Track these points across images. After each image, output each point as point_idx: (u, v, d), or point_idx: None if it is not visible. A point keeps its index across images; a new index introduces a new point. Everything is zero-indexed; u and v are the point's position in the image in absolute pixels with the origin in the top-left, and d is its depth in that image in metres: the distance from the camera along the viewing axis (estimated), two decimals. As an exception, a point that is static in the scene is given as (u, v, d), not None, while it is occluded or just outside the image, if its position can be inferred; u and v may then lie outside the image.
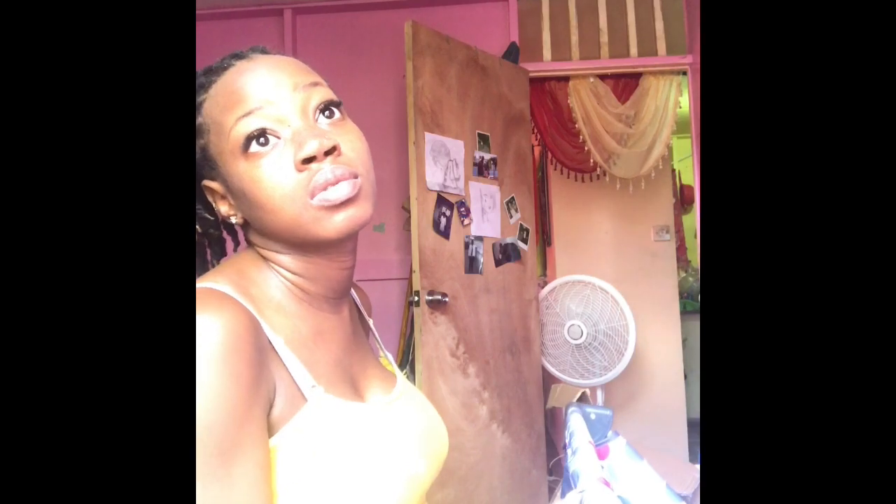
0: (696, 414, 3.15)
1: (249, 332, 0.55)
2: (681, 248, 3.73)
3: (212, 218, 0.71)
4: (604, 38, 2.85)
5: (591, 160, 2.79)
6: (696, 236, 3.94)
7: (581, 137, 2.78)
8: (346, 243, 0.66)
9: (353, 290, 0.79)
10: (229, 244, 0.76)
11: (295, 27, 2.91)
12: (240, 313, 0.55)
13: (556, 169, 2.95)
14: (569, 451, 0.74)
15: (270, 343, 0.59)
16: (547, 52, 2.86)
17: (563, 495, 0.75)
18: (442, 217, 2.23)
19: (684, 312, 3.48)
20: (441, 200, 2.23)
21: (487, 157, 2.44)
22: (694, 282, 4.26)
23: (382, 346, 0.81)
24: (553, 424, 3.02)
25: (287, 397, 0.58)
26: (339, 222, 0.60)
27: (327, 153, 0.60)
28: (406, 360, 2.53)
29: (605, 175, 2.86)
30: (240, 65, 0.64)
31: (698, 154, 2.86)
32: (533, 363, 2.58)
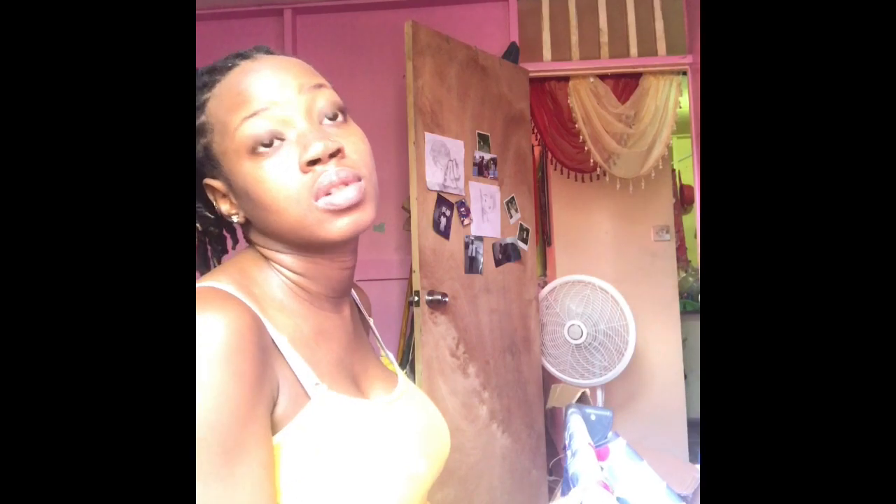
0: (696, 414, 3.15)
1: (253, 330, 0.55)
2: (681, 248, 3.73)
3: (212, 216, 0.71)
4: (604, 38, 2.84)
5: (591, 160, 2.79)
6: (696, 236, 3.94)
7: (581, 137, 2.78)
8: (347, 244, 0.66)
9: (352, 290, 0.79)
10: (228, 242, 0.76)
11: (295, 27, 2.91)
12: (243, 312, 0.56)
13: (556, 169, 2.95)
14: (569, 453, 0.74)
15: (273, 342, 0.59)
16: (547, 52, 2.86)
17: (563, 496, 0.74)
18: (442, 217, 2.23)
19: (684, 312, 3.48)
20: (441, 200, 2.23)
21: (487, 157, 2.44)
22: (694, 282, 4.26)
23: (383, 345, 0.81)
24: (553, 424, 3.02)
25: (290, 395, 0.58)
26: (343, 225, 0.61)
27: (332, 155, 0.60)
28: (406, 360, 2.53)
29: (605, 175, 2.86)
30: (244, 65, 0.64)
31: (698, 154, 2.86)
32: (533, 363, 2.58)
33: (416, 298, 2.11)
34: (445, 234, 2.24)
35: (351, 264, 0.68)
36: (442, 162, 2.24)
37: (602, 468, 0.72)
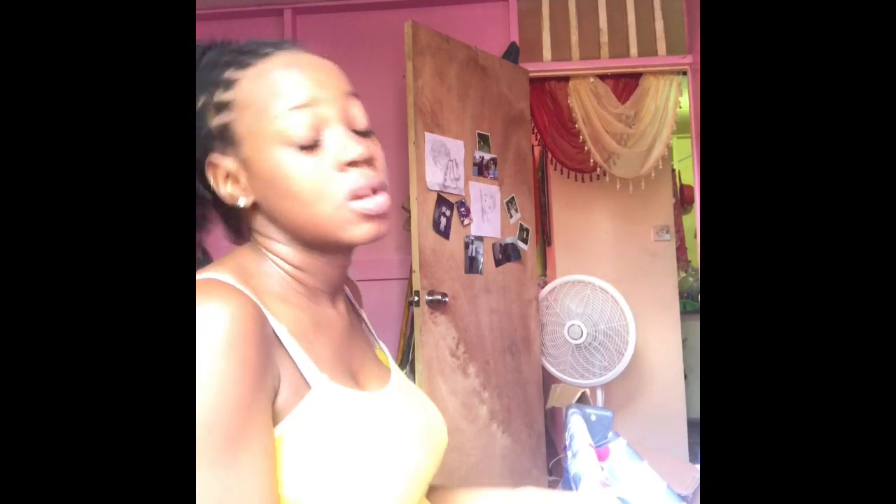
0: (696, 414, 3.15)
1: (255, 320, 0.56)
2: (681, 248, 3.73)
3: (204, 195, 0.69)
4: (604, 38, 2.84)
5: (591, 160, 2.79)
6: (696, 236, 3.94)
7: (581, 137, 2.78)
8: (354, 246, 0.67)
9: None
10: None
11: (295, 27, 2.91)
12: (245, 302, 0.56)
13: (556, 169, 2.95)
14: (569, 454, 0.74)
15: (274, 332, 0.59)
16: (547, 52, 2.86)
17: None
18: (442, 217, 2.23)
19: (684, 312, 3.48)
20: (441, 200, 2.23)
21: (487, 157, 2.44)
22: (694, 282, 4.26)
23: (376, 337, 0.82)
24: (553, 424, 3.02)
25: (291, 386, 0.58)
26: (366, 231, 0.63)
27: (365, 161, 0.63)
28: (406, 360, 2.53)
29: (605, 175, 2.86)
30: (286, 54, 0.65)
31: (698, 154, 2.86)
32: (533, 363, 2.58)
33: (416, 298, 2.11)
34: (445, 234, 2.23)
35: (347, 263, 0.70)
36: (442, 162, 2.24)
37: (602, 468, 0.72)
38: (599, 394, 2.77)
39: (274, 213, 0.64)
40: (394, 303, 2.84)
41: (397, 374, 0.74)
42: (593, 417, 0.80)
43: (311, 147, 0.61)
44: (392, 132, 2.80)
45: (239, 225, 0.69)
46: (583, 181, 2.93)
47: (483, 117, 2.43)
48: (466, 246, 2.32)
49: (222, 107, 0.63)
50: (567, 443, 0.77)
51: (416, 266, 2.12)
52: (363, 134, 0.66)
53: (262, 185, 0.63)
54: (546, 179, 3.25)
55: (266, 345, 0.56)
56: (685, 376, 3.22)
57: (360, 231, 0.63)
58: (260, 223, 0.66)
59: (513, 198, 2.55)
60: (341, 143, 0.62)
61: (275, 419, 0.57)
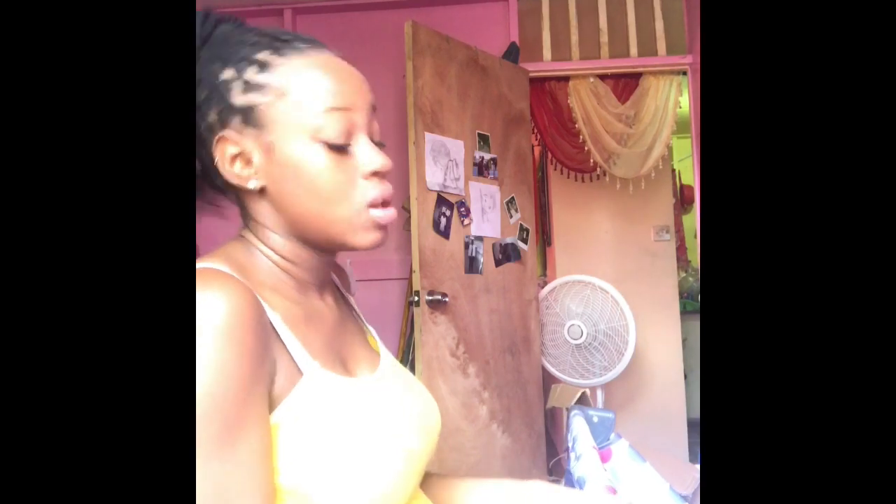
0: (696, 414, 3.15)
1: (253, 308, 0.56)
2: (681, 248, 3.73)
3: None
4: (604, 38, 2.84)
5: (591, 160, 2.79)
6: (696, 236, 3.94)
7: (581, 137, 2.78)
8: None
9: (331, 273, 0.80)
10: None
11: (295, 27, 2.91)
12: (243, 291, 0.56)
13: (556, 169, 2.95)
14: (572, 456, 0.73)
15: (270, 321, 0.60)
16: (547, 52, 2.86)
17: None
18: (442, 217, 2.22)
19: (684, 312, 3.48)
20: (441, 200, 2.22)
21: (487, 157, 2.44)
22: (694, 282, 4.26)
23: (365, 322, 0.82)
24: (553, 424, 3.02)
25: (286, 374, 0.59)
26: (372, 239, 0.66)
27: (385, 174, 0.66)
28: (406, 360, 2.53)
29: (605, 175, 2.86)
30: (325, 54, 0.66)
31: (698, 154, 2.86)
32: (533, 363, 2.58)
33: (416, 298, 2.11)
34: (445, 234, 2.23)
35: (334, 258, 0.73)
36: (442, 162, 2.24)
37: (605, 470, 0.72)
38: (599, 394, 2.77)
39: (283, 202, 0.64)
40: (394, 303, 2.84)
41: (388, 358, 0.75)
42: (595, 419, 0.80)
43: (340, 149, 0.63)
44: (392, 132, 2.80)
45: (247, 207, 0.67)
46: (583, 181, 2.93)
47: (483, 117, 2.43)
48: (466, 246, 2.32)
49: (254, 87, 0.62)
50: (570, 445, 0.77)
51: (416, 266, 2.12)
52: (379, 146, 0.68)
53: (281, 172, 0.63)
54: (546, 179, 3.25)
55: (264, 333, 0.57)
56: (685, 376, 3.22)
57: (369, 238, 0.65)
58: (260, 209, 0.66)
59: (513, 198, 2.55)
60: (370, 153, 0.65)
61: (270, 407, 0.57)
